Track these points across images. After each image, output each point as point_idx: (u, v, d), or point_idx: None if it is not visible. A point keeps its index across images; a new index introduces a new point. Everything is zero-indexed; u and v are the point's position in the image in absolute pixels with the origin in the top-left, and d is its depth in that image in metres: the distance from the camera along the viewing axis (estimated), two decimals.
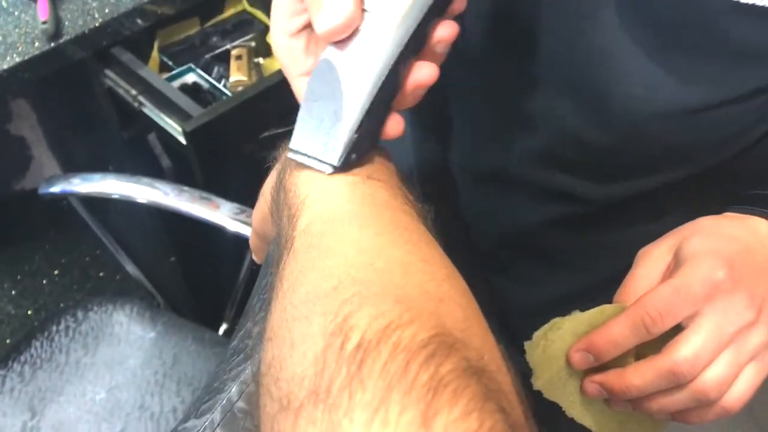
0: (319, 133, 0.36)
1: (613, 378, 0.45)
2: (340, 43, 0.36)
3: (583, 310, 0.48)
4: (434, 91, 0.40)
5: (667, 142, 0.49)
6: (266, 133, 1.10)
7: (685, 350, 0.43)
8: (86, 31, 1.08)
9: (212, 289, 1.24)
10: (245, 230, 0.92)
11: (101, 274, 1.63)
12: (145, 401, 0.92)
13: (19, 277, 1.63)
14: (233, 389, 0.34)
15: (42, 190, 0.98)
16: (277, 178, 0.40)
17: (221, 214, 0.92)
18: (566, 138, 0.52)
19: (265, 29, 1.29)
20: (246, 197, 0.99)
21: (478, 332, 0.27)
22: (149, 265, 1.27)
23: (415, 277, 0.28)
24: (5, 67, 1.01)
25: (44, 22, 1.05)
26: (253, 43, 1.26)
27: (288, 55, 0.41)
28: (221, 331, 1.11)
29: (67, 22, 1.08)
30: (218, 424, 0.33)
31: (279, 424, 0.24)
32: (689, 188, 0.53)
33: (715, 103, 0.45)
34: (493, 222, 0.63)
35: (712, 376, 0.42)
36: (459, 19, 0.39)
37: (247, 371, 0.34)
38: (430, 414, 0.21)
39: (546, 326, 0.49)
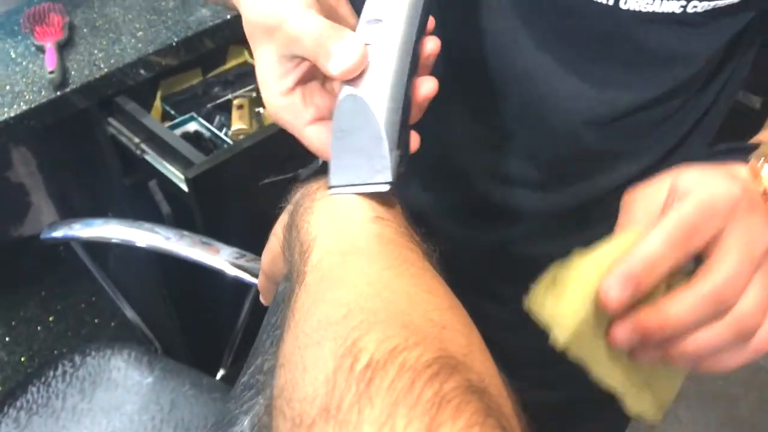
0: (362, 161, 0.39)
1: (646, 314, 0.37)
2: (354, 78, 0.39)
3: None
4: None
5: (604, 148, 0.53)
6: (266, 180, 1.12)
7: (724, 269, 0.36)
8: (92, 81, 1.11)
9: (210, 335, 1.24)
10: (244, 275, 0.93)
11: (96, 320, 1.63)
12: None
13: (13, 323, 1.62)
14: (245, 422, 0.34)
15: (44, 235, 0.99)
16: (289, 217, 0.42)
17: (221, 258, 0.93)
18: (519, 154, 0.56)
19: None
20: (246, 243, 1.01)
21: (480, 358, 0.29)
22: (147, 310, 1.27)
23: (419, 306, 0.30)
24: (12, 114, 1.04)
25: (51, 72, 1.08)
26: (254, 94, 1.29)
27: (288, 112, 0.43)
28: (219, 376, 1.11)
29: (73, 72, 1.11)
30: None
31: None
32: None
33: (637, 107, 0.50)
34: (458, 242, 0.66)
35: (749, 301, 0.36)
36: None
37: (258, 405, 0.35)
38: (434, 426, 0.23)
39: (550, 273, 0.40)
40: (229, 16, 1.24)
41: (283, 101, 0.43)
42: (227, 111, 1.26)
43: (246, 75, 1.33)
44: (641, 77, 0.50)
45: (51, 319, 1.62)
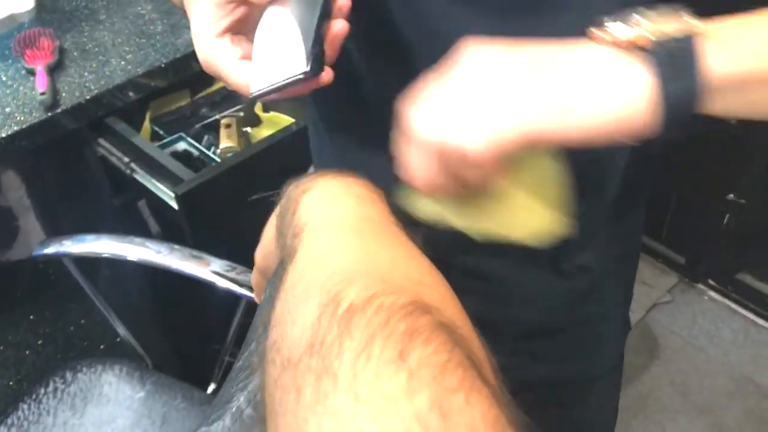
0: (280, 62, 0.45)
1: None
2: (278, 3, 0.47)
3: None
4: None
5: None
6: (255, 197, 1.14)
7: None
8: (82, 102, 1.13)
9: (201, 349, 1.25)
10: (235, 287, 0.95)
11: (86, 343, 1.62)
12: None
13: (1, 347, 1.62)
14: (241, 398, 0.36)
15: (35, 252, 1.01)
16: (281, 208, 0.44)
17: (212, 271, 0.95)
18: None
19: (253, 102, 1.35)
20: (235, 259, 1.02)
21: (454, 310, 0.32)
22: (138, 327, 1.28)
23: (400, 268, 0.33)
24: (3, 135, 1.05)
25: (42, 93, 1.10)
26: (241, 114, 1.32)
27: (217, 50, 0.50)
28: (210, 390, 1.11)
29: (64, 94, 1.14)
30: (229, 430, 0.35)
31: (282, 380, 0.28)
32: None
33: None
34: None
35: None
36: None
37: (254, 383, 0.37)
38: (406, 351, 0.26)
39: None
40: None
41: (213, 42, 0.50)
42: (215, 131, 1.28)
43: (233, 96, 1.36)
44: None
45: (40, 342, 1.62)
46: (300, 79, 0.44)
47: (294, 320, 0.30)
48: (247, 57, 0.50)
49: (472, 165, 0.40)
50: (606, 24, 0.41)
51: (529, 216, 0.47)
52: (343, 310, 0.28)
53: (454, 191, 0.44)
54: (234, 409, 0.35)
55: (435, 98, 0.42)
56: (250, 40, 0.52)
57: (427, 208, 0.48)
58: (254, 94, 0.46)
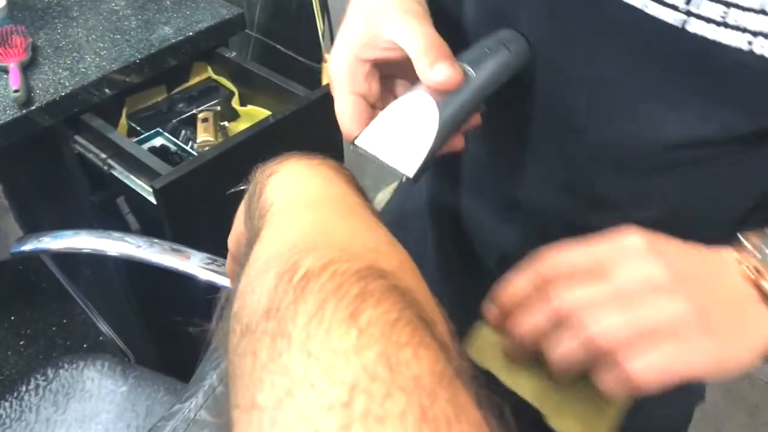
0: (398, 145, 0.44)
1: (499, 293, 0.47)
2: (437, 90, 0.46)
3: None
4: None
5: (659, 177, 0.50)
6: (233, 190, 1.14)
7: (555, 256, 0.45)
8: (56, 99, 1.13)
9: (182, 341, 1.25)
10: (216, 279, 0.95)
11: (68, 342, 1.62)
12: None
13: None
14: (214, 376, 0.37)
15: (13, 249, 1.00)
16: (249, 191, 0.44)
17: (192, 263, 0.95)
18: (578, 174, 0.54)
19: (230, 95, 1.35)
20: (214, 252, 1.02)
21: (410, 275, 0.32)
22: (119, 322, 1.28)
23: (358, 239, 0.33)
24: None
25: (16, 91, 1.09)
26: (218, 108, 1.32)
27: (348, 73, 0.49)
28: None
29: (38, 91, 1.13)
30: (201, 406, 0.36)
31: (240, 347, 0.28)
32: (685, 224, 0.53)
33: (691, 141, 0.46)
34: (496, 249, 0.66)
35: (602, 323, 0.41)
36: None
37: (225, 361, 0.37)
38: (357, 312, 0.27)
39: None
40: (191, 33, 1.27)
41: (351, 63, 0.49)
42: (192, 125, 1.28)
43: (210, 90, 1.35)
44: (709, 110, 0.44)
45: (22, 343, 1.61)
46: (397, 173, 0.44)
47: (253, 289, 0.30)
48: (370, 96, 0.50)
49: (626, 382, 0.41)
50: (752, 245, 0.44)
51: (585, 415, 0.49)
52: (299, 277, 0.29)
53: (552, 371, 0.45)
54: (206, 387, 0.36)
55: (600, 291, 0.42)
56: (389, 89, 0.52)
57: (493, 360, 0.49)
58: (355, 146, 0.46)
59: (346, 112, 0.49)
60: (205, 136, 1.22)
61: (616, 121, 0.48)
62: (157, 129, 1.25)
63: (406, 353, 0.25)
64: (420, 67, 0.45)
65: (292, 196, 0.39)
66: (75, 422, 0.95)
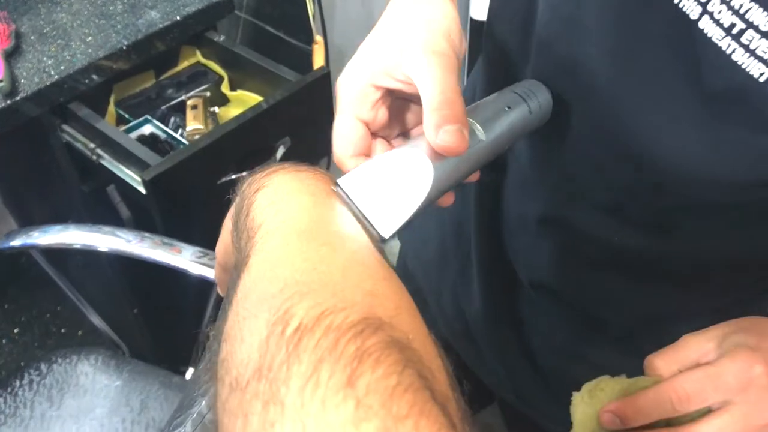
0: (380, 198, 0.40)
1: (624, 402, 0.49)
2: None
3: (629, 375, 0.52)
4: None
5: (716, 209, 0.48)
6: (224, 179, 1.13)
7: (704, 428, 0.46)
8: (42, 88, 1.10)
9: (177, 334, 1.24)
10: (208, 272, 0.94)
11: (63, 330, 1.62)
12: None
13: None
14: (203, 403, 0.36)
15: (2, 245, 0.99)
16: (236, 207, 0.43)
17: (183, 258, 0.94)
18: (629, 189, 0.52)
19: (219, 80, 1.33)
20: (207, 243, 1.01)
21: (407, 320, 0.31)
22: (113, 314, 1.27)
23: (352, 277, 0.32)
24: None
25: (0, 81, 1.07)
26: (208, 93, 1.30)
27: (357, 96, 0.46)
28: (188, 375, 1.11)
29: (23, 80, 1.11)
30: None
31: (229, 403, 0.27)
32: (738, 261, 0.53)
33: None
34: (527, 262, 0.64)
35: None
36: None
37: (214, 387, 0.36)
38: (355, 377, 0.25)
39: (592, 382, 0.53)
40: (179, 17, 1.25)
41: (362, 85, 0.46)
42: (182, 112, 1.26)
43: (199, 76, 1.33)
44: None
45: (16, 331, 1.61)
46: (370, 229, 0.40)
47: (243, 338, 0.29)
48: (374, 124, 0.47)
49: None
50: None
51: None
52: (292, 330, 0.27)
53: None
54: (195, 415, 0.35)
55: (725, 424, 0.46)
56: (400, 114, 0.49)
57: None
58: (337, 185, 0.41)
59: (343, 135, 0.46)
60: (194, 124, 1.20)
61: (669, 146, 0.45)
62: (146, 116, 1.23)
63: (407, 427, 0.24)
64: (427, 123, 0.42)
65: (281, 219, 0.37)
66: (70, 418, 0.95)
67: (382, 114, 0.47)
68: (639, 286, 0.57)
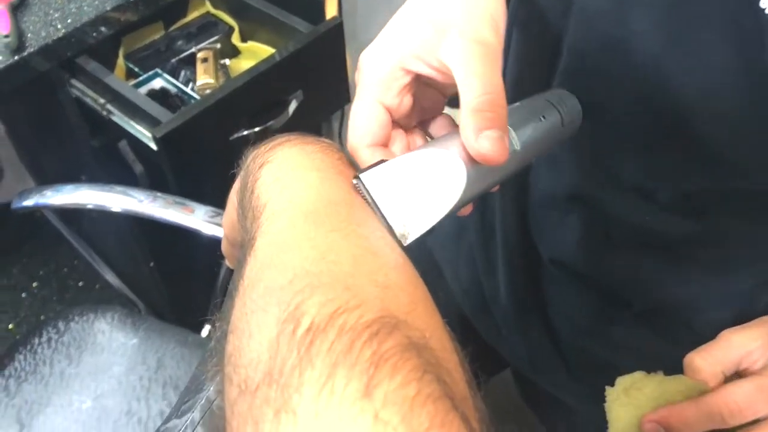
0: (408, 202, 0.37)
1: (667, 410, 0.47)
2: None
3: (666, 372, 0.50)
4: None
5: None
6: (236, 135, 1.11)
7: (734, 395, 0.45)
8: (50, 42, 1.08)
9: (193, 292, 1.25)
10: (221, 232, 0.93)
11: (80, 283, 1.63)
12: (131, 407, 0.93)
13: None
14: (211, 389, 0.35)
15: (15, 205, 0.98)
16: (240, 183, 0.41)
17: (196, 218, 0.93)
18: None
19: (230, 30, 1.29)
20: (220, 199, 0.99)
21: (423, 315, 0.29)
22: (128, 272, 1.28)
23: (364, 268, 0.30)
24: None
25: (6, 36, 1.05)
26: (218, 45, 1.27)
27: (383, 79, 0.42)
28: (204, 333, 1.12)
29: (29, 34, 1.08)
30: (198, 423, 0.34)
31: (238, 406, 0.26)
32: None
33: None
34: (551, 241, 0.62)
35: None
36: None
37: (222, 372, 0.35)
38: (372, 385, 0.24)
39: (628, 378, 0.51)
40: None
41: (390, 68, 0.42)
42: (192, 65, 1.23)
43: (209, 26, 1.30)
44: None
45: (35, 285, 1.62)
46: (391, 229, 0.36)
47: (251, 333, 0.28)
48: (398, 111, 0.42)
49: None
50: None
51: None
52: (303, 330, 0.26)
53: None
54: (203, 401, 0.34)
55: None
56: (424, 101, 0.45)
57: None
58: (358, 180, 0.37)
59: (363, 121, 0.42)
60: (205, 78, 1.17)
61: (720, 128, 0.42)
62: (156, 70, 1.20)
63: None
64: (466, 125, 0.38)
65: (286, 198, 0.36)
66: (88, 375, 0.96)
67: (407, 101, 0.43)
68: (666, 267, 0.55)
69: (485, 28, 0.41)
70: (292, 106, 1.15)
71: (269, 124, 1.12)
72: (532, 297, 0.66)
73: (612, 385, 0.51)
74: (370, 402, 0.23)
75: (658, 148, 0.47)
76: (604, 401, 0.51)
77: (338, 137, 1.52)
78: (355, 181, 0.37)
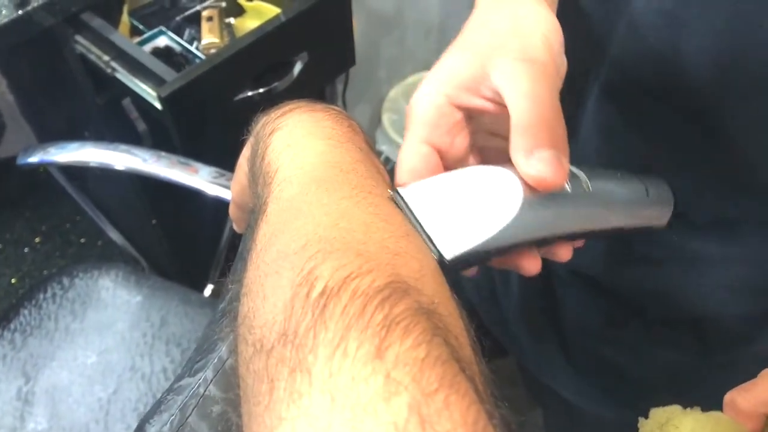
0: (451, 217, 0.34)
1: None
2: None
3: (703, 408, 0.47)
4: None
5: None
6: (241, 95, 1.11)
7: None
8: None
9: (196, 251, 1.26)
10: (225, 193, 0.94)
11: (83, 240, 1.64)
12: (135, 363, 0.94)
13: (0, 245, 1.63)
14: (223, 349, 0.36)
15: (20, 161, 0.99)
16: (251, 149, 0.42)
17: (200, 178, 0.94)
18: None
19: None
20: (224, 159, 1.00)
21: (431, 282, 0.30)
22: (132, 229, 1.28)
23: (375, 235, 0.31)
24: None
25: None
26: (223, 3, 1.25)
27: (431, 116, 0.39)
28: (207, 292, 1.13)
29: None
30: (211, 381, 0.35)
31: (253, 364, 0.27)
32: None
33: None
34: (580, 254, 0.62)
35: None
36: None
37: (234, 332, 0.36)
38: (383, 347, 0.25)
39: (662, 413, 0.47)
40: None
41: (439, 96, 0.39)
42: (197, 23, 1.22)
43: None
44: None
45: (37, 240, 1.63)
46: (432, 248, 0.33)
47: (265, 295, 0.29)
48: (449, 153, 0.39)
49: None
50: None
51: None
52: (317, 293, 0.27)
53: None
54: (216, 360, 0.35)
55: None
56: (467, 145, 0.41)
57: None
58: (396, 194, 0.35)
59: (408, 163, 0.38)
60: (210, 37, 1.16)
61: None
62: (161, 28, 1.19)
63: (437, 402, 0.23)
64: (515, 146, 0.35)
65: (297, 165, 0.36)
66: (93, 331, 0.97)
67: (460, 141, 0.40)
68: (687, 282, 0.54)
69: (535, 47, 0.38)
70: (297, 67, 1.15)
71: (274, 85, 1.12)
72: (542, 296, 0.67)
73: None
74: (382, 363, 0.24)
75: (697, 169, 0.46)
76: (637, 425, 0.48)
77: (341, 100, 1.52)
78: (391, 192, 0.35)
